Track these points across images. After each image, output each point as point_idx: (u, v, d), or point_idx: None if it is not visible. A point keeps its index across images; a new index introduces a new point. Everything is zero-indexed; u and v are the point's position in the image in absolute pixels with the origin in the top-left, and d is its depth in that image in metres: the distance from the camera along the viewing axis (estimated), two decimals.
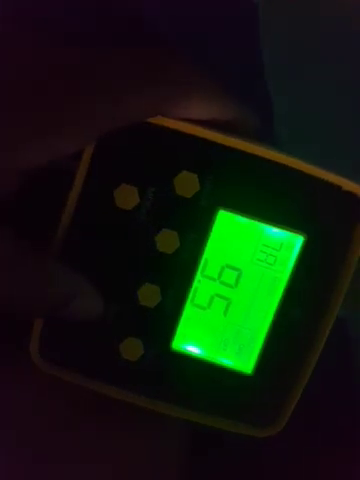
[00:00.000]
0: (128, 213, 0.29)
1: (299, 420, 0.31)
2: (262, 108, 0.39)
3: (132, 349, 0.30)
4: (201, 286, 0.30)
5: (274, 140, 0.39)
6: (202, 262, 0.29)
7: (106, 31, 0.34)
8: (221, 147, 0.28)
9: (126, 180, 0.29)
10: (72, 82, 0.27)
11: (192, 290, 0.30)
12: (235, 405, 0.30)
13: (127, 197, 0.29)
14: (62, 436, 0.32)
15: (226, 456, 0.36)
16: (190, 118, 0.28)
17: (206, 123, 0.29)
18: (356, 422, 0.39)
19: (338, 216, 0.29)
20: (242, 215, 0.29)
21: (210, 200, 0.29)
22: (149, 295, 0.29)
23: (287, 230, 0.29)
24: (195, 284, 0.30)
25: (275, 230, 0.29)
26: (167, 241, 0.29)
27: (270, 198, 0.29)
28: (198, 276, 0.30)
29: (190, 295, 0.30)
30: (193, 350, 0.30)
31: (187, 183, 0.29)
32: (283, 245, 0.29)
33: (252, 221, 0.29)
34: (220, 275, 0.30)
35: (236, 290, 0.30)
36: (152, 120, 0.28)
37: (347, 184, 0.29)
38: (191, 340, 0.30)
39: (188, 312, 0.30)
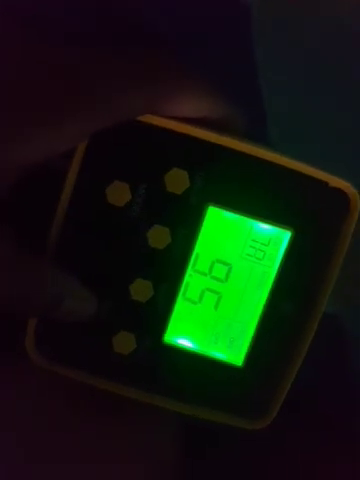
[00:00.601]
0: (120, 210, 0.29)
1: (296, 418, 0.31)
2: (256, 108, 0.39)
3: (125, 343, 0.30)
4: (192, 281, 0.30)
5: (268, 140, 0.39)
6: (193, 257, 0.30)
7: (106, 31, 0.34)
8: (211, 145, 0.29)
9: (118, 177, 0.29)
10: (72, 81, 0.28)
11: (183, 285, 0.30)
12: (226, 397, 0.31)
13: (119, 194, 0.29)
14: (62, 436, 0.32)
15: (222, 455, 0.36)
16: (182, 116, 0.29)
17: (197, 121, 0.29)
18: (353, 419, 0.39)
19: (325, 212, 0.30)
20: (231, 211, 0.30)
21: (200, 196, 0.30)
22: (141, 290, 0.30)
23: (275, 225, 0.30)
24: (186, 279, 0.30)
25: (263, 226, 0.30)
26: (159, 237, 0.30)
27: (259, 195, 0.30)
28: (189, 271, 0.30)
29: (182, 290, 0.30)
30: (185, 343, 0.31)
31: (178, 180, 0.29)
32: (271, 240, 0.30)
33: (241, 217, 0.30)
34: (211, 270, 0.30)
35: (226, 284, 0.30)
36: (143, 118, 0.29)
37: (334, 180, 0.29)
38: (183, 334, 0.31)
39: (180, 306, 0.30)
